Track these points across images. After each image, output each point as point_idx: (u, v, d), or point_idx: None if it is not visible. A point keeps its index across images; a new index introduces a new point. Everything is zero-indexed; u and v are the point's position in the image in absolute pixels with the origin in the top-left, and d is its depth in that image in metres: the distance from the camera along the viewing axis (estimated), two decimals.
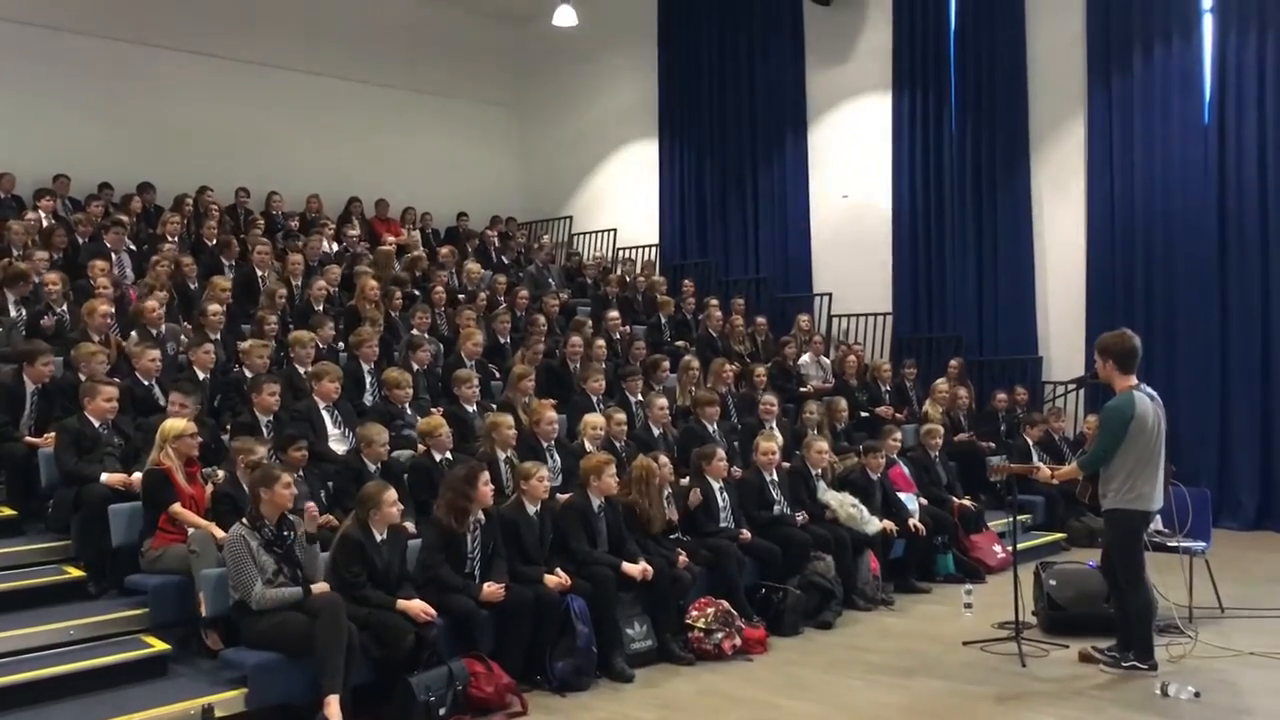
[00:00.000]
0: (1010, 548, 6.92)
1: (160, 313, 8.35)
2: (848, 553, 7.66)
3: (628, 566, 6.40)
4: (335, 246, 12.41)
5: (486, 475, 6.09)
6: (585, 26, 15.19)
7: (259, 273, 10.08)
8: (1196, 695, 5.47)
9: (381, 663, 5.35)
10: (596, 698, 5.81)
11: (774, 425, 9.01)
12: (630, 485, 6.93)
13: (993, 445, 10.27)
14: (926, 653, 6.51)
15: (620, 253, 15.77)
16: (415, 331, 9.41)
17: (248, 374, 7.68)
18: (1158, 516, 6.40)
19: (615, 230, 16.10)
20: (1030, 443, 10.20)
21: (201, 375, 7.65)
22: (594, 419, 7.84)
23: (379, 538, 5.62)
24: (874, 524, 7.96)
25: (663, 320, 12.23)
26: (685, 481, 7.61)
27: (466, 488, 5.94)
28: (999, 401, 11.09)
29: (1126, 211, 11.44)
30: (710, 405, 8.81)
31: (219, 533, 5.71)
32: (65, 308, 8.48)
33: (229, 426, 7.14)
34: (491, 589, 5.81)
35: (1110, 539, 6.08)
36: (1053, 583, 6.90)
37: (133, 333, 8.24)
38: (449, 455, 6.97)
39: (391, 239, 13.32)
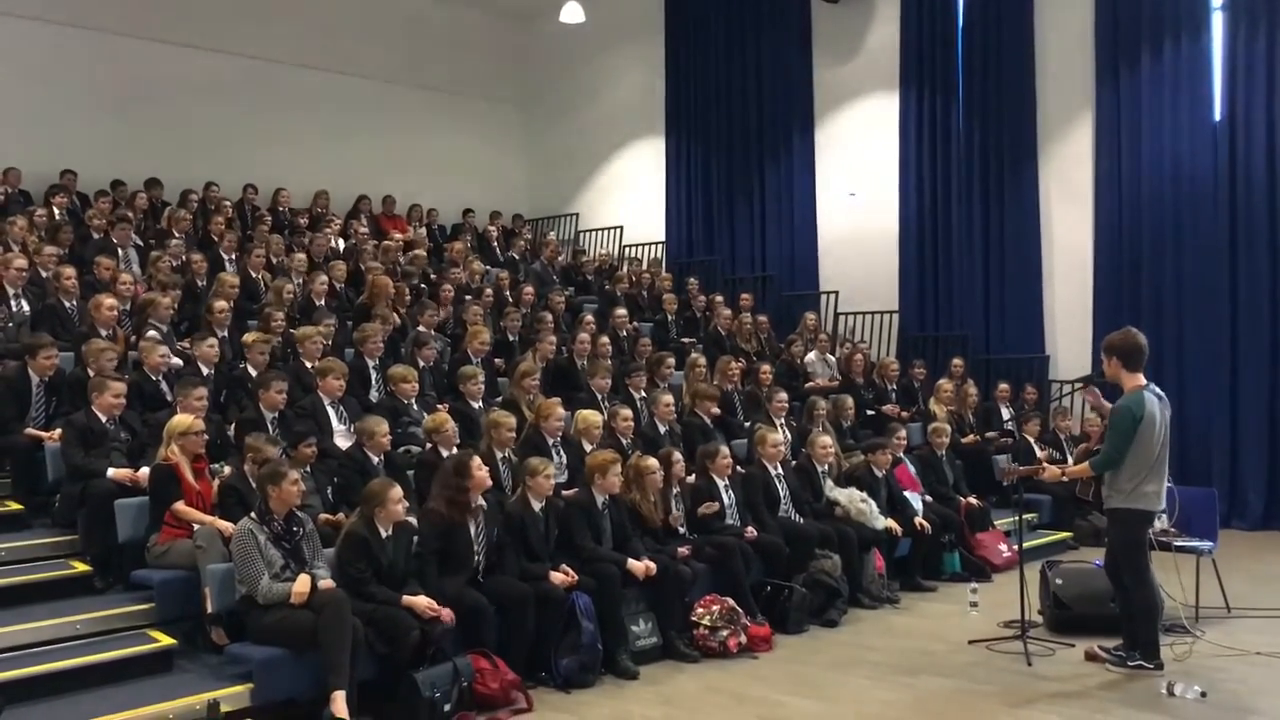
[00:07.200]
0: (1016, 546, 6.89)
1: (171, 310, 8.38)
2: (853, 551, 7.65)
3: (632, 563, 6.40)
4: (342, 243, 12.44)
5: (479, 460, 6.08)
6: (592, 23, 15.18)
7: (254, 274, 10.10)
8: (1202, 695, 5.46)
9: (387, 659, 5.35)
10: (601, 694, 5.82)
11: (783, 422, 9.01)
12: (628, 483, 6.93)
13: (1007, 441, 10.27)
14: (932, 651, 6.50)
15: (626, 250, 15.76)
16: (422, 328, 9.42)
17: (250, 370, 7.69)
18: (1163, 516, 6.38)
19: (621, 227, 16.09)
20: (1031, 440, 10.21)
21: (206, 370, 7.66)
22: (590, 416, 7.83)
23: (384, 534, 5.63)
24: (881, 520, 7.96)
25: (669, 318, 12.22)
26: (692, 479, 7.60)
27: (458, 479, 5.94)
28: (1000, 393, 11.08)
29: (1134, 209, 11.40)
30: (709, 399, 8.79)
31: (225, 526, 5.73)
32: (75, 303, 8.49)
33: (234, 422, 7.15)
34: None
35: (1114, 538, 6.08)
36: (1059, 582, 6.89)
37: (152, 332, 8.22)
38: (455, 452, 6.97)
39: (398, 235, 13.34)
